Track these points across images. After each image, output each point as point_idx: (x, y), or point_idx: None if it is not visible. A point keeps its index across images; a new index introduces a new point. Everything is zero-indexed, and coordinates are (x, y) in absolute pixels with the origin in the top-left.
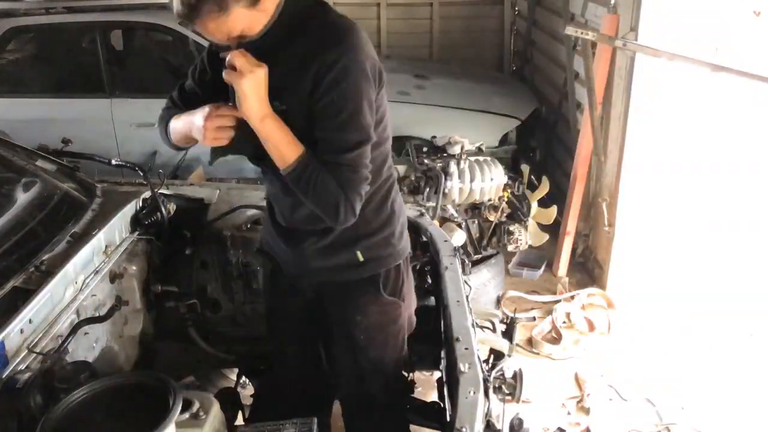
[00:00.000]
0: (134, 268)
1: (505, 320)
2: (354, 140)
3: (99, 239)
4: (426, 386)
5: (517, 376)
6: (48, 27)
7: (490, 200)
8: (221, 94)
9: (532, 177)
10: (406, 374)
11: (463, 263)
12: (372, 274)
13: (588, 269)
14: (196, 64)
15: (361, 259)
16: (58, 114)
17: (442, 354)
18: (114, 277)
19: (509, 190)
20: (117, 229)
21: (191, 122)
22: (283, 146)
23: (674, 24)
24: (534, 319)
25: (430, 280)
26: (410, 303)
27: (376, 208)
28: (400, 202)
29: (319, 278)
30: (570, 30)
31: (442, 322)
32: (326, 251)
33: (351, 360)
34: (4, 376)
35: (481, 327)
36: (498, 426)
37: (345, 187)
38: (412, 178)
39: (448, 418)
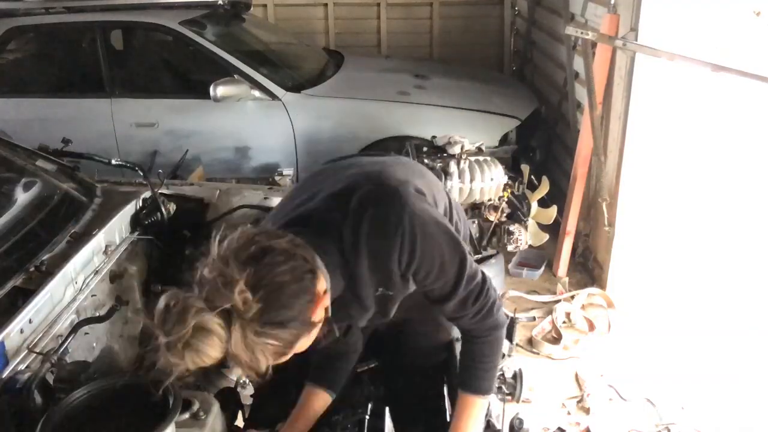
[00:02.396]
0: (134, 268)
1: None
2: (455, 274)
3: (99, 239)
4: None
5: (517, 376)
6: (48, 27)
7: (490, 200)
8: None
9: (532, 177)
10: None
11: None
12: None
13: (588, 269)
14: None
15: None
16: (58, 114)
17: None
18: (114, 277)
19: (509, 190)
20: (117, 229)
21: None
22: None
23: (674, 24)
24: (534, 319)
25: None
26: None
27: None
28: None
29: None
30: (570, 30)
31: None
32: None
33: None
34: (4, 376)
35: None
36: (498, 426)
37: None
38: None
39: (448, 418)
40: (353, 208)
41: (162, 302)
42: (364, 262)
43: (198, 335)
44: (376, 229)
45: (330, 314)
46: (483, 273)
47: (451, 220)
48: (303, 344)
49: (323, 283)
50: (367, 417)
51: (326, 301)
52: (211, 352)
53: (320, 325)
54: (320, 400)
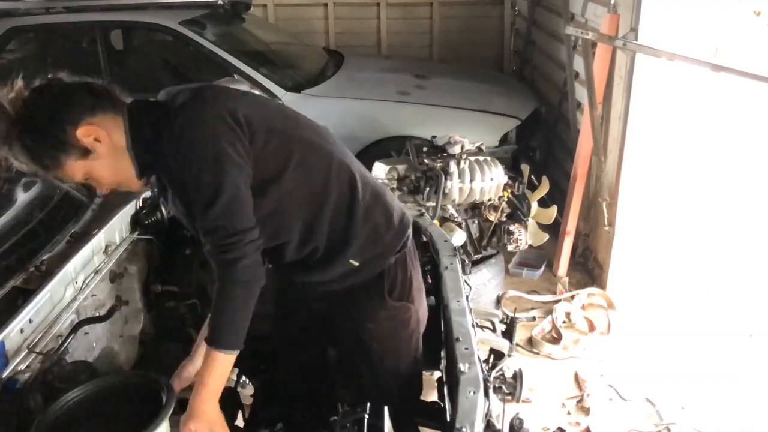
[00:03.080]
0: (134, 268)
1: (505, 320)
2: (205, 200)
3: (99, 239)
4: (426, 386)
5: (517, 376)
6: (48, 27)
7: (490, 200)
8: None
9: (532, 177)
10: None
11: (463, 263)
12: (373, 277)
13: (588, 269)
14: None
15: (357, 264)
16: None
17: (442, 354)
18: (114, 277)
19: (509, 190)
20: (117, 229)
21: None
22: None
23: (674, 24)
24: (534, 319)
25: (430, 280)
26: (420, 301)
27: (345, 223)
28: (371, 201)
29: (324, 288)
30: (570, 30)
31: (442, 322)
32: (319, 267)
33: (368, 371)
34: (4, 376)
35: (481, 327)
36: (498, 426)
37: (223, 268)
38: (412, 178)
39: (448, 418)
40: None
41: None
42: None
43: None
44: (178, 122)
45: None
46: (240, 230)
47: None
48: (74, 167)
49: (105, 125)
50: (366, 416)
51: (94, 133)
52: None
53: (97, 159)
54: None
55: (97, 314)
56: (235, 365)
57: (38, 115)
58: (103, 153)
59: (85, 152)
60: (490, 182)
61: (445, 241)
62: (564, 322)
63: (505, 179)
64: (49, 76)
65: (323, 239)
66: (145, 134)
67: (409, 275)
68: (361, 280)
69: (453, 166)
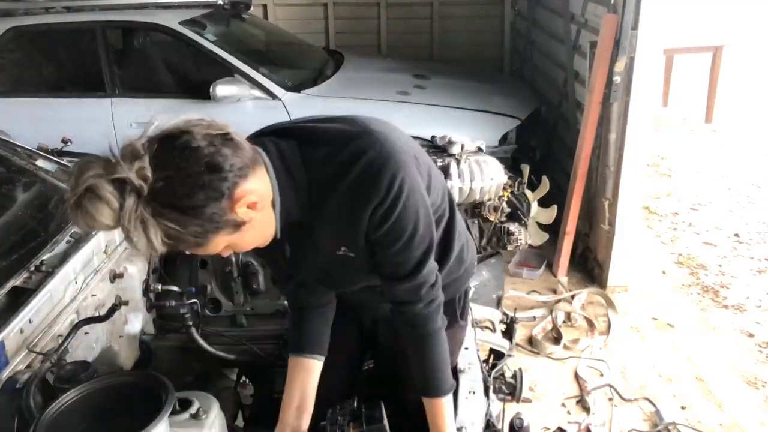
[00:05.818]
0: (134, 268)
1: (505, 320)
2: (418, 256)
3: (99, 239)
4: None
5: (517, 376)
6: (48, 27)
7: (490, 200)
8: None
9: (532, 177)
10: None
11: None
12: (450, 299)
13: (588, 269)
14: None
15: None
16: (58, 114)
17: None
18: (114, 277)
19: (509, 190)
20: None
21: None
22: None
23: (674, 23)
24: (534, 318)
25: None
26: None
27: (443, 238)
28: (459, 217)
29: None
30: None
31: None
32: None
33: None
34: (4, 376)
35: (481, 327)
36: (498, 426)
37: (431, 321)
38: None
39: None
40: (351, 149)
41: (77, 161)
42: (335, 200)
43: (89, 198)
44: (365, 173)
45: (278, 234)
46: (437, 276)
47: (443, 215)
48: (220, 242)
49: (256, 186)
50: (364, 409)
51: (250, 202)
52: (101, 218)
53: (248, 228)
54: (306, 367)
55: (97, 314)
56: (236, 365)
57: (184, 190)
58: (258, 219)
59: (240, 225)
60: (490, 182)
61: None
62: (564, 321)
63: (505, 179)
64: (175, 124)
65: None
66: (285, 183)
67: (468, 297)
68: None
69: (453, 166)
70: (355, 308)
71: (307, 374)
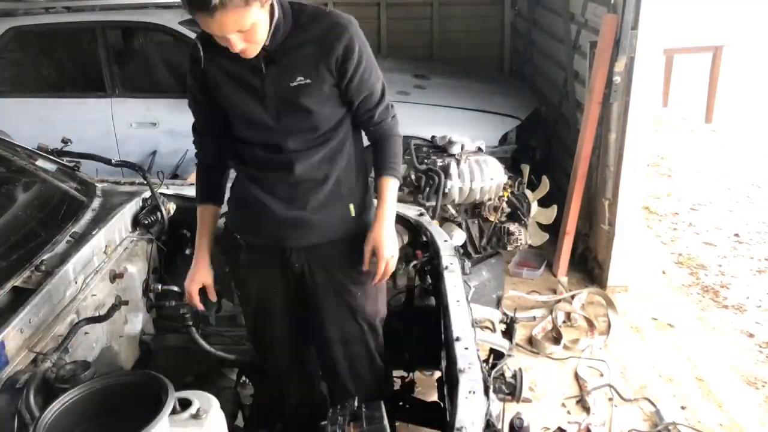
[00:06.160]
0: (134, 268)
1: (505, 320)
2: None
3: (99, 239)
4: (426, 386)
5: (517, 376)
6: (48, 27)
7: (490, 200)
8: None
9: (532, 177)
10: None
11: (463, 263)
12: (364, 231)
13: (588, 269)
14: (192, 95)
15: (353, 213)
16: (58, 114)
17: (442, 354)
18: (114, 277)
19: (509, 190)
20: (117, 229)
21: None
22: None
23: (674, 24)
24: (534, 318)
25: (430, 280)
26: None
27: (358, 167)
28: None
29: (311, 240)
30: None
31: (442, 322)
32: (324, 202)
33: (350, 321)
34: (4, 376)
35: (481, 327)
36: (498, 426)
37: (395, 125)
38: (412, 178)
39: (448, 418)
40: (327, 18)
41: None
42: (308, 40)
43: None
44: (335, 25)
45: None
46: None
47: None
48: (252, 15)
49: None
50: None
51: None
52: None
53: (261, 21)
54: (213, 214)
55: (97, 314)
56: (236, 365)
57: None
58: (265, 19)
59: (264, 3)
60: (490, 182)
61: (445, 241)
62: (564, 321)
63: (505, 179)
64: None
65: (341, 167)
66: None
67: None
68: (351, 234)
69: (453, 166)
70: (283, 242)
71: (213, 220)
